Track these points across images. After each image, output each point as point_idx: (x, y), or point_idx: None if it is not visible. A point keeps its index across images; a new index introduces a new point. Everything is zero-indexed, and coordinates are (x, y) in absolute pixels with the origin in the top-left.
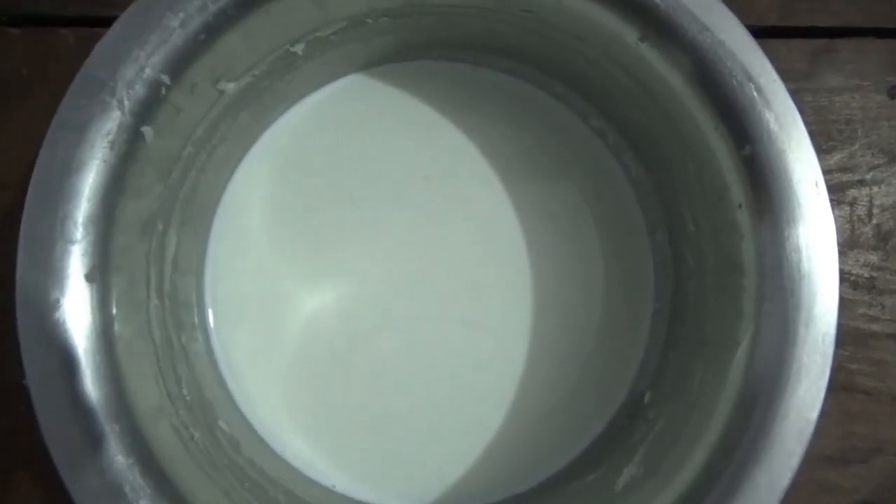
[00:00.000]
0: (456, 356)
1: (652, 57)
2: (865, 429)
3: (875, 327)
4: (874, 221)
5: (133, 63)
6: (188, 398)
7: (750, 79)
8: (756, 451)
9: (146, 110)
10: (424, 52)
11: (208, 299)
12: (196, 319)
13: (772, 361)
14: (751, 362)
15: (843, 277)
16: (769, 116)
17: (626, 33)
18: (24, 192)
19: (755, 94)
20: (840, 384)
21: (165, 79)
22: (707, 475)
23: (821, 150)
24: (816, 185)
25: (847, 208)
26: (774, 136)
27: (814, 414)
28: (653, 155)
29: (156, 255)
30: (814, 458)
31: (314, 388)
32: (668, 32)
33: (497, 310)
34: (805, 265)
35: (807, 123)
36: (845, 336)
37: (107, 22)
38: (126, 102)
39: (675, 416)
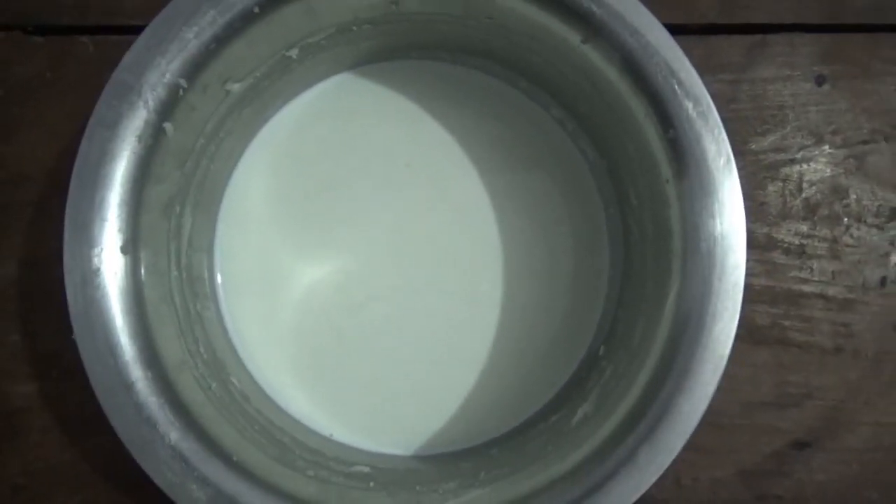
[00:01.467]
0: (437, 321)
1: (593, 56)
2: (798, 377)
3: (805, 288)
4: (804, 195)
5: (156, 69)
6: (205, 356)
7: (672, 73)
8: (680, 383)
9: (167, 109)
10: (405, 52)
11: (217, 274)
12: (208, 291)
13: (693, 309)
14: (677, 311)
15: (777, 245)
16: (688, 105)
17: (571, 37)
18: (49, 184)
19: (676, 86)
20: (775, 339)
21: (183, 82)
22: (642, 405)
23: (756, 132)
24: (728, 161)
25: (780, 184)
26: (693, 122)
27: (726, 350)
28: (602, 140)
29: (174, 233)
30: (753, 405)
31: (312, 351)
32: (604, 35)
33: (473, 280)
34: (718, 228)
35: (743, 110)
36: (779, 296)
37: (121, 30)
38: (151, 103)
39: (620, 362)
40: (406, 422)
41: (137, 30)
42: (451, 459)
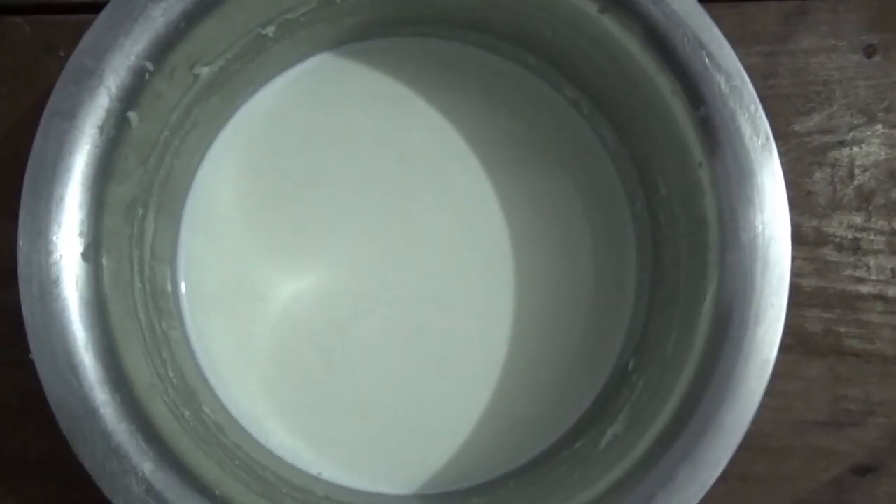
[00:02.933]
0: (438, 339)
1: (612, 27)
2: (856, 392)
3: (861, 289)
4: (856, 182)
5: (119, 51)
6: (175, 381)
7: (701, 45)
8: (721, 392)
9: (132, 96)
10: (393, 29)
11: (182, 288)
12: (172, 307)
13: (733, 308)
14: (715, 312)
15: (828, 240)
16: (720, 79)
17: (587, 6)
18: None
19: (706, 58)
20: (829, 348)
21: (149, 65)
22: (679, 420)
23: (799, 111)
24: (767, 140)
25: (828, 170)
26: (726, 98)
27: (772, 354)
28: (624, 123)
29: (137, 239)
30: (807, 424)
31: (294, 377)
32: (623, 4)
33: (479, 289)
34: (759, 216)
35: (783, 86)
36: (832, 299)
37: (62, 9)
38: (113, 89)
39: (653, 375)
40: (406, 457)
41: (81, 8)
42: (460, 497)
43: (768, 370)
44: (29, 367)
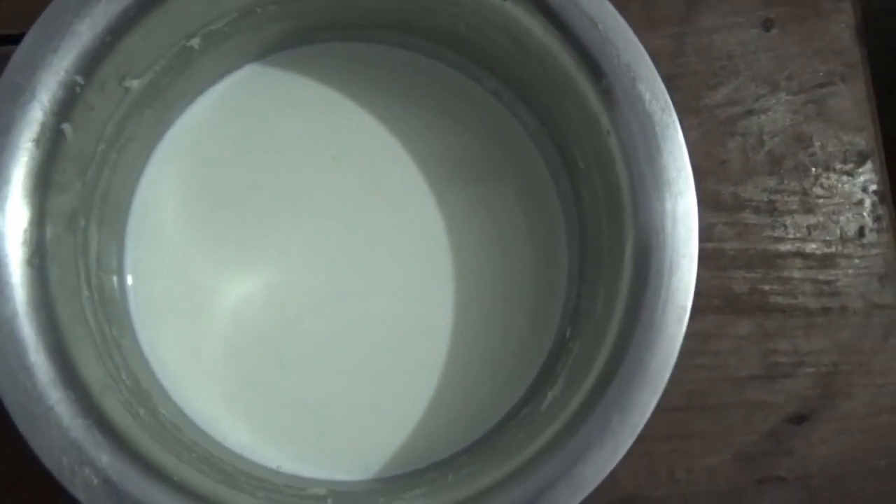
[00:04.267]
0: (384, 329)
1: (516, 12)
2: (785, 345)
3: (781, 247)
4: (766, 148)
5: (48, 67)
6: (128, 383)
7: (596, 22)
8: (645, 340)
9: (64, 109)
10: (316, 34)
11: (130, 298)
12: (122, 316)
13: (650, 262)
14: (634, 268)
15: (745, 204)
16: (616, 52)
17: None
18: None
19: (602, 33)
20: (756, 306)
21: (79, 79)
22: (609, 370)
23: (708, 86)
24: (666, 104)
25: (739, 139)
26: (624, 68)
27: (688, 300)
28: (540, 106)
29: (81, 249)
30: (741, 380)
31: (248, 377)
32: None
33: (419, 278)
34: (664, 175)
35: (691, 63)
36: (754, 259)
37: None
38: (46, 103)
39: (586, 338)
40: (362, 444)
41: (9, 39)
42: (416, 475)
43: (685, 316)
44: None
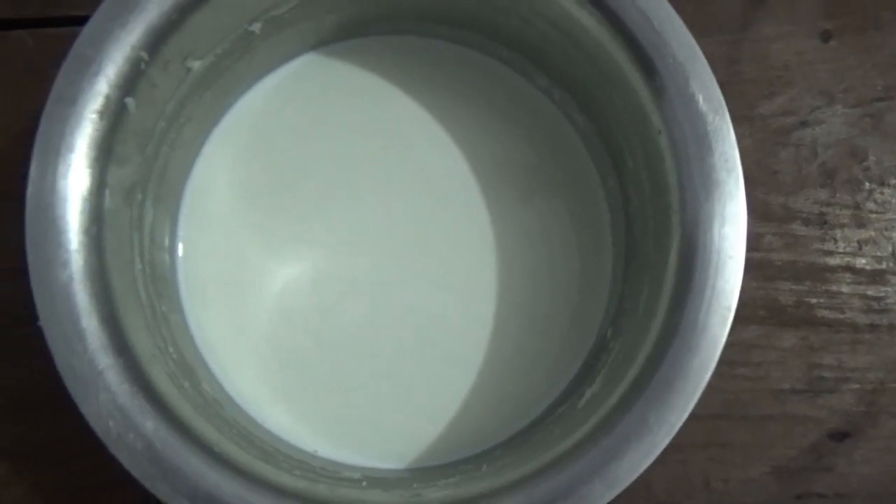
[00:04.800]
0: (424, 318)
1: (571, 8)
2: (830, 360)
3: (830, 261)
4: (819, 160)
5: (116, 42)
6: (174, 356)
7: (651, 19)
8: (686, 340)
9: (128, 83)
10: (372, 27)
11: (180, 276)
12: (172, 293)
13: (695, 263)
14: (679, 267)
15: (795, 216)
16: (670, 51)
17: None
18: None
19: (657, 32)
20: (802, 318)
21: (144, 55)
22: (649, 369)
23: (762, 95)
24: (720, 105)
25: (792, 149)
26: (679, 68)
27: (733, 302)
28: (591, 103)
29: (137, 223)
30: (784, 393)
31: (289, 360)
32: None
33: (462, 270)
34: (714, 175)
35: (747, 72)
36: (802, 271)
37: (62, 22)
38: (112, 77)
39: (627, 338)
40: (398, 433)
41: (81, 20)
42: (449, 468)
43: (729, 318)
44: (29, 360)
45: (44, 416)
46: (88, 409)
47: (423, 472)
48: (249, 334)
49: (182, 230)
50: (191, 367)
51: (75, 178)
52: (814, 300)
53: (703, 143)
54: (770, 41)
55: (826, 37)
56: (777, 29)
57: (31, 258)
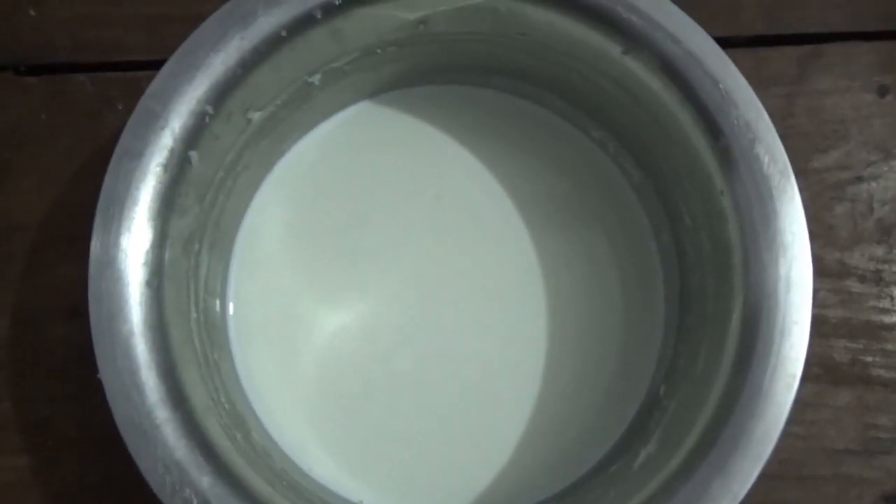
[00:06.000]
0: (474, 367)
1: (634, 67)
2: (885, 420)
3: (886, 319)
4: (875, 216)
5: (183, 97)
6: (226, 406)
7: (717, 81)
8: (751, 406)
9: (192, 137)
10: (429, 76)
11: (230, 322)
12: (223, 339)
13: (759, 326)
14: (742, 330)
15: (850, 272)
16: (737, 112)
17: (611, 48)
18: (42, 233)
19: (723, 93)
20: (857, 377)
21: (209, 109)
22: (711, 434)
23: (818, 149)
24: (784, 167)
25: (848, 204)
26: (744, 128)
27: (798, 369)
28: (648, 158)
29: (193, 272)
30: (838, 454)
31: (337, 407)
32: (645, 46)
33: (512, 320)
34: (779, 238)
35: (801, 125)
36: (857, 329)
37: (122, 67)
38: (177, 130)
39: (684, 397)
40: (444, 484)
41: (139, 65)
42: None
43: (794, 385)
44: (83, 400)
45: (96, 456)
46: (145, 464)
47: None
48: (298, 382)
49: (233, 276)
50: (241, 417)
51: (138, 231)
52: (869, 358)
53: (767, 206)
54: (825, 95)
55: (883, 91)
56: (833, 83)
57: (92, 310)
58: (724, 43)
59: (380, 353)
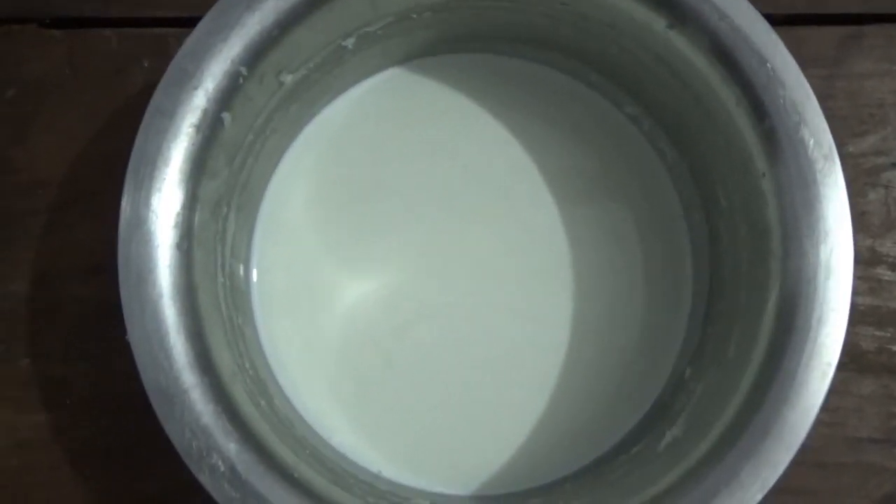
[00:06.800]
0: (496, 343)
1: (679, 43)
2: None
3: None
4: None
5: (217, 56)
6: (250, 372)
7: (765, 60)
8: (784, 393)
9: (226, 98)
10: (463, 44)
11: (254, 288)
12: (246, 305)
13: (797, 313)
14: (778, 317)
15: (882, 259)
16: (783, 93)
17: (655, 22)
18: (65, 190)
19: (770, 73)
20: (882, 366)
21: (243, 70)
22: (742, 419)
23: (854, 133)
24: (830, 151)
25: (882, 190)
26: (790, 110)
27: (835, 357)
28: (685, 137)
29: (220, 235)
30: (860, 441)
31: (357, 377)
32: (692, 20)
33: (537, 297)
34: (821, 224)
35: (839, 108)
36: (886, 318)
37: (148, 23)
38: (210, 91)
39: (712, 381)
40: (464, 458)
41: (166, 21)
42: (517, 499)
43: (830, 373)
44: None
45: (116, 420)
46: (172, 429)
47: (488, 501)
48: (318, 349)
49: (257, 242)
50: (264, 383)
51: (169, 192)
52: None
53: (811, 190)
54: (864, 78)
55: None
56: (873, 66)
57: (122, 274)
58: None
59: (401, 325)
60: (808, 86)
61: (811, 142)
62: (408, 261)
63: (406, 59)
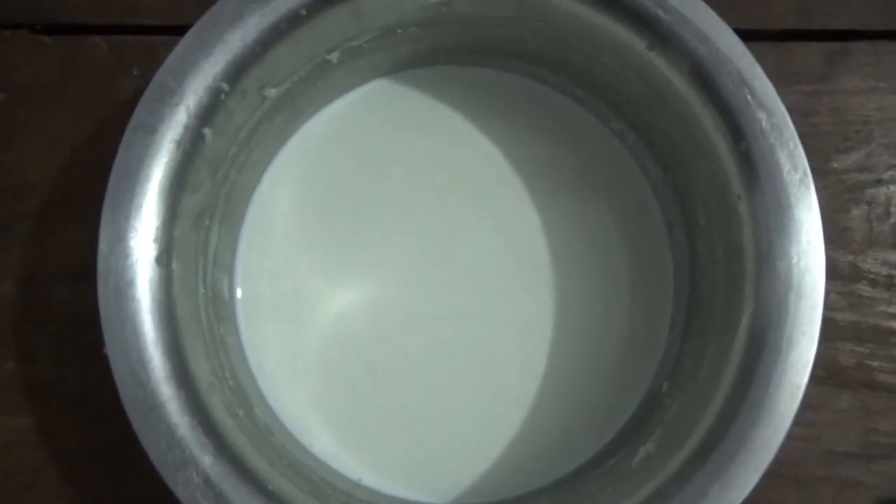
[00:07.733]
0: (478, 355)
1: (659, 63)
2: (887, 425)
3: (894, 324)
4: (892, 220)
5: (199, 73)
6: (230, 382)
7: (744, 83)
8: (754, 414)
9: (207, 114)
10: (448, 57)
11: (238, 297)
12: (230, 314)
13: (767, 335)
14: (749, 338)
15: (862, 276)
16: (761, 116)
17: (636, 43)
18: (53, 194)
19: (748, 96)
20: (861, 381)
21: (225, 86)
22: (712, 439)
23: (838, 149)
24: (804, 176)
25: (865, 207)
26: (766, 134)
27: (804, 379)
28: (668, 154)
29: (202, 247)
30: (836, 455)
31: (340, 386)
32: (671, 42)
33: (519, 309)
34: (794, 248)
35: (824, 124)
36: (865, 333)
37: (138, 30)
38: (192, 107)
39: (687, 398)
40: (443, 468)
41: (156, 30)
42: None
43: (799, 395)
44: (87, 365)
45: (102, 423)
46: (148, 440)
47: None
48: (301, 358)
49: (241, 251)
50: (244, 392)
51: (149, 208)
52: (875, 363)
53: (785, 214)
54: (850, 94)
55: None
56: (860, 83)
57: (101, 288)
58: (753, 35)
59: (385, 335)
60: (784, 110)
61: (787, 165)
62: (391, 271)
63: (393, 70)
